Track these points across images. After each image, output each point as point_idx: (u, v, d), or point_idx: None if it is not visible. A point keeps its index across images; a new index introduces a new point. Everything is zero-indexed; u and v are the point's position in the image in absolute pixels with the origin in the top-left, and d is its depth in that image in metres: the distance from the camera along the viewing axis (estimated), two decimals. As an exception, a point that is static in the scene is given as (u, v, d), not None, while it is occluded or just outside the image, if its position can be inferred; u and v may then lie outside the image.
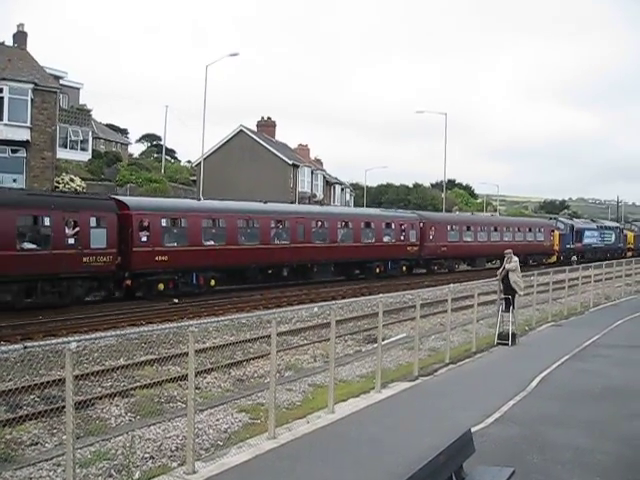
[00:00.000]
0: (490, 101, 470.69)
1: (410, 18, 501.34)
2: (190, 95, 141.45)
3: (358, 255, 38.68)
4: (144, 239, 28.05)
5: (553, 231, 60.10)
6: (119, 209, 27.61)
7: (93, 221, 26.45)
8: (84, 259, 25.48)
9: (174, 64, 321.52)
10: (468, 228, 49.29)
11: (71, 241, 25.45)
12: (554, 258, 57.89)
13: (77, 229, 25.71)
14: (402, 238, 41.97)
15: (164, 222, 29.39)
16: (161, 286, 28.63)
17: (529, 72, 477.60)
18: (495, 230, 52.19)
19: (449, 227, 47.12)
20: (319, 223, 37.40)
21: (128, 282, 27.75)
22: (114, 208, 27.46)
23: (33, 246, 24.37)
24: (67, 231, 25.44)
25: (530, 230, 57.12)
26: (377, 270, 40.00)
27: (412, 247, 42.42)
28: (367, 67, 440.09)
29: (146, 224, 28.35)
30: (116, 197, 30.71)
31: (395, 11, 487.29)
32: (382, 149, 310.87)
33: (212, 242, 31.13)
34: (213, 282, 30.95)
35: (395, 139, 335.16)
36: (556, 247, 59.28)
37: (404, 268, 42.67)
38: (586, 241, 65.29)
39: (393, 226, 41.69)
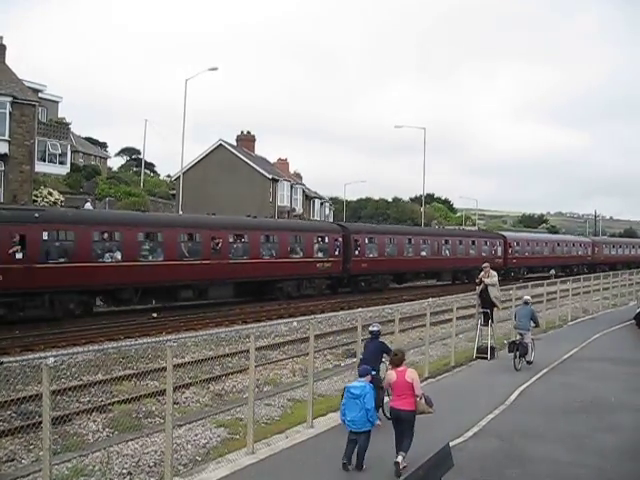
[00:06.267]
0: (478, 119, 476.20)
1: (400, 37, 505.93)
2: (173, 110, 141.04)
3: (558, 262, 62.49)
4: None
5: None
6: None
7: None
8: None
9: (156, 79, 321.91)
10: (613, 246, 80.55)
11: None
12: None
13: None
14: (584, 252, 69.89)
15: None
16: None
17: (516, 92, 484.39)
18: (620, 247, 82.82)
19: (604, 245, 77.38)
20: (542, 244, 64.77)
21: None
22: None
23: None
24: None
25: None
26: (559, 273, 59.20)
27: (587, 257, 70.48)
28: (354, 84, 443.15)
29: None
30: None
31: (387, 29, 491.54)
32: (364, 164, 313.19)
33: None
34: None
35: (377, 155, 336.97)
36: None
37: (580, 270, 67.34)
38: None
39: (581, 245, 71.09)
